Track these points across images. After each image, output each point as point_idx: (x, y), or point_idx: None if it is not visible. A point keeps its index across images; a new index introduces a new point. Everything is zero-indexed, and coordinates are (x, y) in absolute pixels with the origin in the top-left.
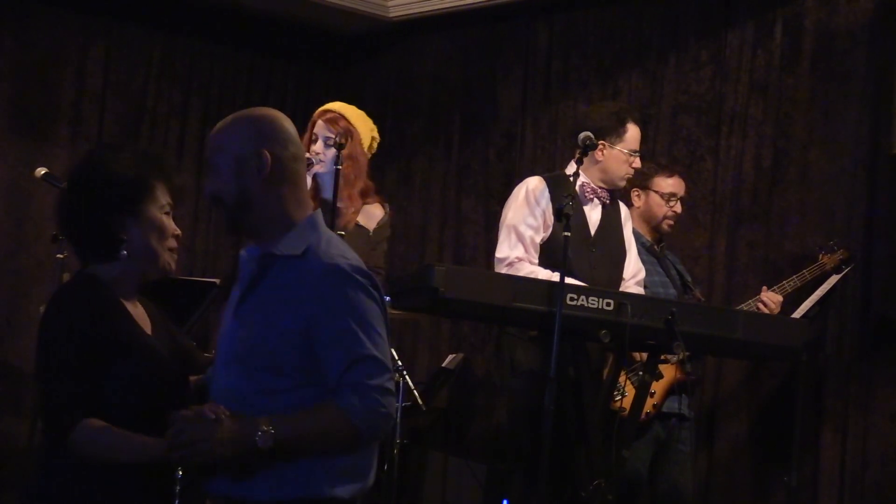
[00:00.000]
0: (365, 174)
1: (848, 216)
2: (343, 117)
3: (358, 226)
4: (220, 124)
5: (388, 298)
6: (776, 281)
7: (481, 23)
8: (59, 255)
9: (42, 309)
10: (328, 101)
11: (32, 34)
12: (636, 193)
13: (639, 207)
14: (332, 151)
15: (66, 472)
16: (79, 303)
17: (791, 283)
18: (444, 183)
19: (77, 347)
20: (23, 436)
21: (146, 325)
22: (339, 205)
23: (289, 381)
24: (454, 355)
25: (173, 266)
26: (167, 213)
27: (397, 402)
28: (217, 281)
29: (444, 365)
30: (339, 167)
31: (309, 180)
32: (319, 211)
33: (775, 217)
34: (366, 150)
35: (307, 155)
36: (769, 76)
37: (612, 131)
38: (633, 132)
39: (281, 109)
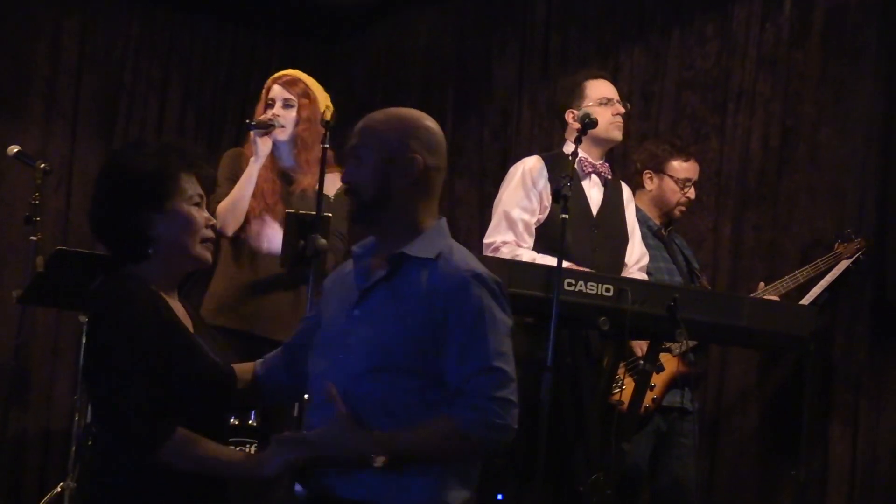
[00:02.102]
0: (323, 141)
1: (860, 198)
2: (300, 80)
3: (316, 192)
4: (374, 117)
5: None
6: (784, 270)
7: None
8: (32, 238)
9: (15, 294)
10: (315, 77)
11: (4, 6)
12: (648, 176)
13: (651, 191)
14: (293, 114)
15: (144, 476)
16: (133, 304)
17: (804, 273)
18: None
19: (145, 352)
20: None
21: (189, 324)
22: (295, 170)
23: (416, 381)
24: None
25: (209, 257)
26: (197, 205)
27: None
28: None
29: None
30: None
31: (268, 145)
32: (445, 219)
33: (783, 199)
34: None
35: (266, 116)
36: (777, 51)
37: (573, 98)
38: (591, 87)
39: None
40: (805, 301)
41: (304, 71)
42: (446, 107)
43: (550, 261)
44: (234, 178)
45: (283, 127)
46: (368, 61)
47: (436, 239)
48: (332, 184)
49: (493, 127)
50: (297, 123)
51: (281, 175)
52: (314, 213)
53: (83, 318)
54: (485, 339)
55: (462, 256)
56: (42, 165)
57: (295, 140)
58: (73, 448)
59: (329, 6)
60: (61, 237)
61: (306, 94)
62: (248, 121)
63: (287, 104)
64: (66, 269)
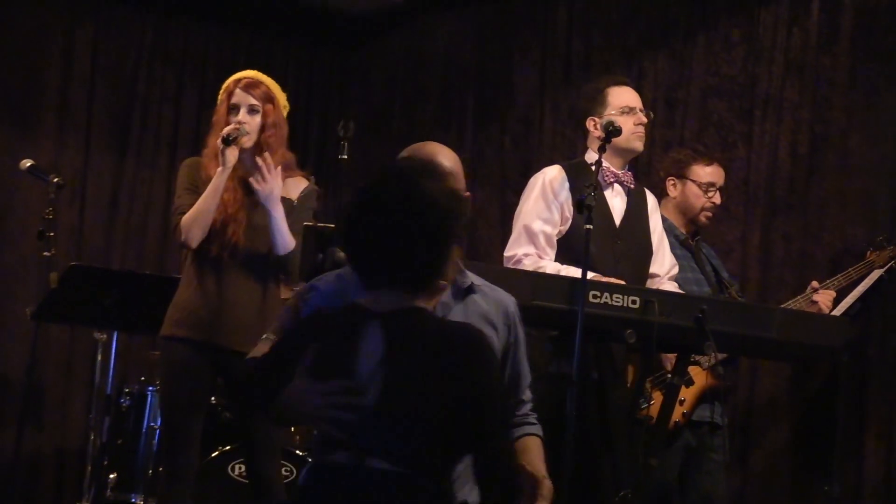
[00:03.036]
0: (285, 145)
1: (891, 206)
2: (262, 82)
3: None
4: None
5: None
6: (814, 279)
7: (496, 0)
8: (45, 253)
9: (29, 311)
10: (332, 85)
11: (14, 14)
12: (671, 182)
13: (674, 198)
14: (258, 120)
15: None
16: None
17: (836, 282)
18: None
19: None
20: (8, 447)
21: None
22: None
23: None
24: None
25: None
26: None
27: None
28: None
29: None
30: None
31: (235, 154)
32: None
33: (813, 207)
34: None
35: (233, 127)
36: (806, 56)
37: (595, 105)
38: (615, 94)
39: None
40: (837, 311)
41: (321, 78)
42: (466, 114)
43: (575, 272)
44: (193, 189)
45: (248, 134)
46: (387, 68)
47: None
48: (295, 187)
49: (515, 135)
50: (262, 129)
51: (242, 183)
52: (332, 225)
53: (99, 336)
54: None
55: (484, 281)
56: (55, 179)
57: (260, 146)
58: (89, 468)
59: (347, 12)
60: (75, 252)
61: (269, 97)
62: (224, 136)
63: (252, 109)
64: (81, 285)
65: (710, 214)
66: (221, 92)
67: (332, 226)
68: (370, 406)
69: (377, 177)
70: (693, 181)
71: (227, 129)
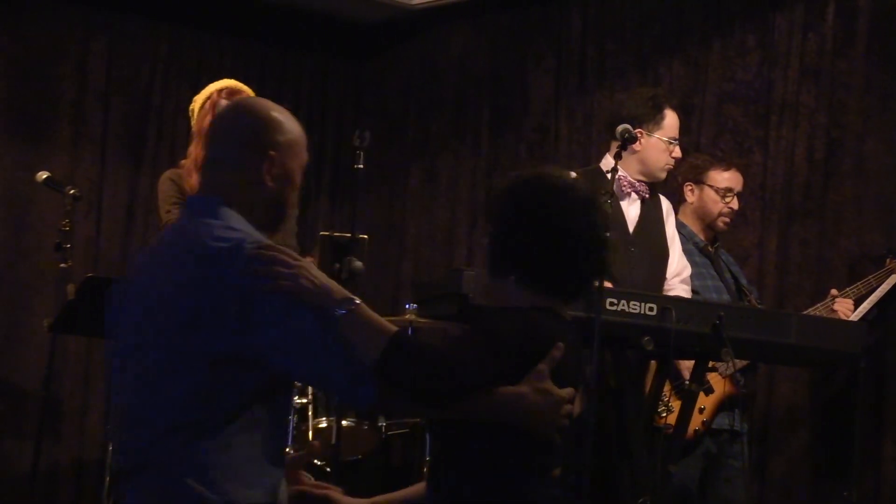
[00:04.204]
0: None
1: None
2: (243, 90)
3: None
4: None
5: (411, 305)
6: (832, 286)
7: (510, 8)
8: (62, 265)
9: (46, 322)
10: (347, 96)
11: (29, 28)
12: (689, 188)
13: (692, 203)
14: None
15: None
16: None
17: (855, 290)
18: (472, 181)
19: None
20: (26, 459)
21: None
22: None
23: None
24: None
25: None
26: None
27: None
28: None
29: None
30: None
31: None
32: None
33: (830, 213)
34: None
35: None
36: (821, 61)
37: (650, 119)
38: (671, 119)
39: (296, 104)
40: (854, 317)
41: (335, 88)
42: (481, 123)
43: None
44: (180, 202)
45: None
46: (401, 78)
47: None
48: None
49: (530, 143)
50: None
51: None
52: (348, 234)
53: None
54: None
55: None
56: (71, 191)
57: None
58: (107, 479)
59: (360, 23)
60: (91, 264)
61: None
62: None
63: None
64: (98, 296)
65: (727, 220)
66: (203, 101)
67: (349, 235)
68: None
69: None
70: (710, 186)
71: None
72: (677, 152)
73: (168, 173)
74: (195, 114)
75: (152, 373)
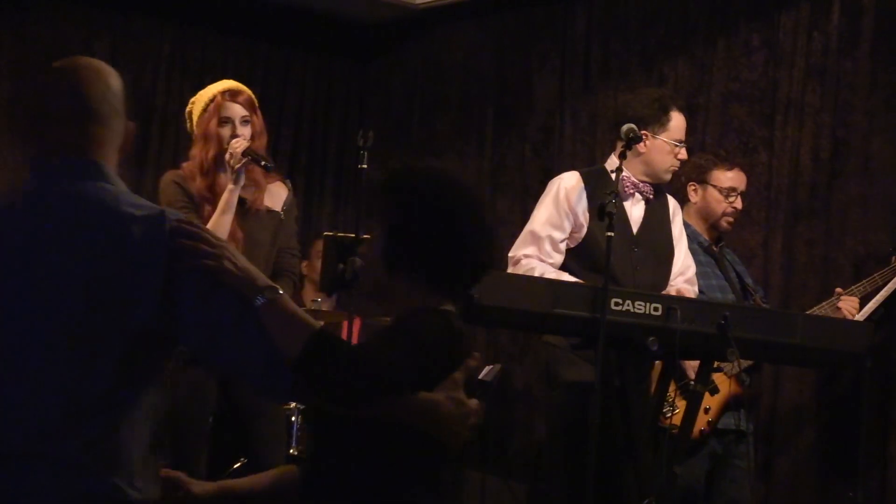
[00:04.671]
0: (267, 151)
1: None
2: (245, 91)
3: (267, 210)
4: None
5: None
6: (837, 285)
7: (515, 8)
8: None
9: None
10: (351, 96)
11: (32, 28)
12: (692, 188)
13: (695, 203)
14: (248, 130)
15: None
16: None
17: (860, 288)
18: (477, 181)
19: None
20: None
21: None
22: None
23: None
24: (491, 367)
25: None
26: None
27: None
28: None
29: (480, 377)
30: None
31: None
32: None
33: (835, 212)
34: None
35: (244, 143)
36: (826, 60)
37: (655, 120)
38: (677, 120)
39: (300, 105)
40: (860, 316)
41: (339, 89)
42: (486, 123)
43: (568, 279)
44: (191, 206)
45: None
46: (406, 78)
47: None
48: (277, 195)
49: (535, 143)
50: (251, 138)
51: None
52: (353, 235)
53: None
54: None
55: None
56: None
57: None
58: None
59: (364, 22)
60: None
61: (254, 105)
62: (254, 153)
63: (244, 120)
64: None
65: (731, 219)
66: (205, 102)
67: (353, 235)
68: None
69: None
70: (714, 186)
71: (245, 146)
72: (682, 154)
73: (171, 175)
74: (194, 116)
75: (47, 350)
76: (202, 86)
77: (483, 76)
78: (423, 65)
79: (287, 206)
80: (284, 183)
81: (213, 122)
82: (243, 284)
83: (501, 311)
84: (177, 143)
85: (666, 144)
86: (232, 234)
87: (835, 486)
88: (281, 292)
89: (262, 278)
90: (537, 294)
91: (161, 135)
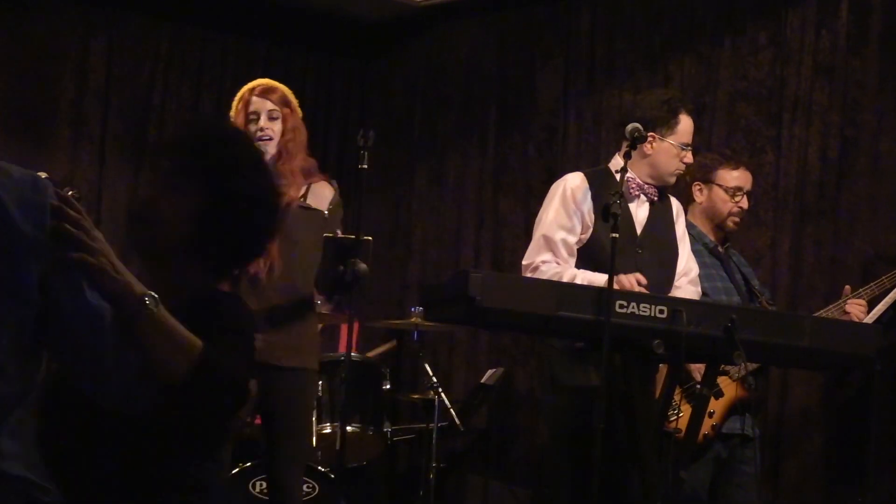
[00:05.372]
0: (305, 149)
1: None
2: (278, 88)
3: (304, 207)
4: None
5: (417, 308)
6: (844, 284)
7: (518, 6)
8: None
9: None
10: (351, 95)
11: (28, 26)
12: (698, 188)
13: (701, 203)
14: (279, 126)
15: None
16: None
17: (869, 290)
18: (479, 182)
19: None
20: None
21: None
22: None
23: None
24: (494, 370)
25: None
26: None
27: (433, 422)
28: None
29: (483, 381)
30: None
31: None
32: None
33: (844, 213)
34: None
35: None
36: (835, 58)
37: (663, 122)
38: (685, 124)
39: (300, 103)
40: (869, 319)
41: (340, 88)
42: (489, 123)
43: (593, 276)
44: None
45: (271, 139)
46: (406, 77)
47: None
48: (321, 195)
49: (538, 143)
50: (282, 134)
51: None
52: (353, 236)
53: None
54: None
55: None
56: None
57: (279, 151)
58: None
59: (365, 20)
60: None
61: (286, 102)
62: None
63: (271, 116)
64: None
65: (737, 220)
66: (236, 102)
67: (353, 237)
68: None
69: None
70: (719, 186)
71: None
72: (689, 158)
73: None
74: (231, 116)
75: None
76: (200, 85)
77: (485, 75)
78: (424, 63)
79: (333, 205)
80: (330, 183)
81: (241, 119)
82: (120, 289)
83: (504, 313)
84: None
85: (673, 147)
86: None
87: (843, 491)
88: (158, 303)
89: (140, 286)
90: (540, 296)
91: (158, 133)
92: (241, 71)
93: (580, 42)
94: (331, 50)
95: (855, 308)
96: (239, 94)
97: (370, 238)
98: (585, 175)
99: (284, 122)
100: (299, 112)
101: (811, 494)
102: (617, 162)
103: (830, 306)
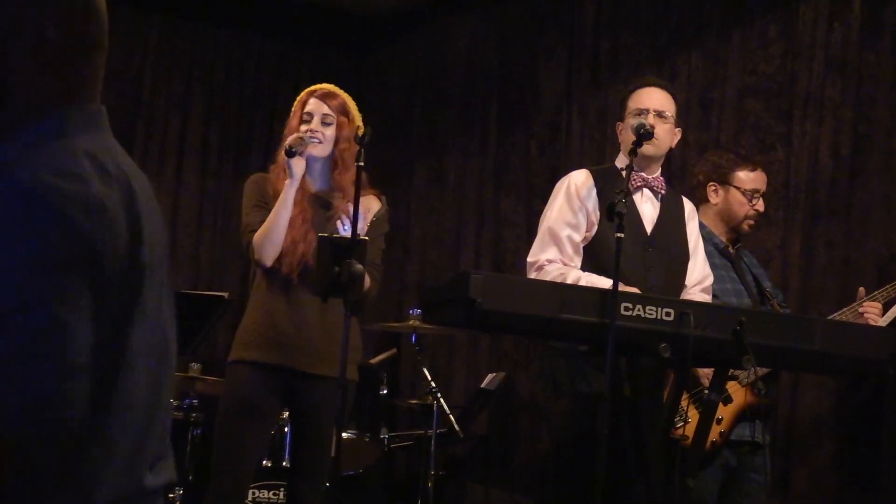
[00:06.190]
0: (354, 161)
1: None
2: (339, 95)
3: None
4: None
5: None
6: (857, 285)
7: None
8: None
9: None
10: (348, 91)
11: None
12: (713, 188)
13: (716, 205)
14: (332, 132)
15: None
16: None
17: (884, 293)
18: (480, 180)
19: None
20: None
21: None
22: (332, 193)
23: None
24: (494, 374)
25: None
26: None
27: (431, 428)
28: (225, 295)
29: (483, 385)
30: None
31: (302, 166)
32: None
33: (856, 212)
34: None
35: (296, 137)
36: (847, 52)
37: (620, 107)
38: (633, 97)
39: (293, 100)
40: (883, 322)
41: (336, 83)
42: (490, 119)
43: (597, 279)
44: (262, 205)
45: (320, 143)
46: (405, 72)
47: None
48: (368, 210)
49: (541, 140)
50: (336, 142)
51: (314, 199)
52: (348, 236)
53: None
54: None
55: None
56: None
57: (334, 160)
58: None
59: (363, 13)
60: None
61: (345, 110)
62: (287, 147)
63: (325, 121)
64: None
65: (752, 222)
66: (295, 104)
67: (348, 237)
68: None
69: None
70: (737, 188)
71: (289, 140)
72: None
73: (253, 177)
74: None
75: None
76: (191, 79)
77: (487, 70)
78: (423, 58)
79: (377, 217)
80: (379, 199)
81: (295, 121)
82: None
83: (505, 315)
84: (164, 136)
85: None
86: (304, 236)
87: (855, 499)
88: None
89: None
90: (543, 298)
91: (148, 128)
92: (234, 65)
93: (584, 36)
94: (326, 43)
95: (871, 311)
96: (299, 97)
97: (367, 238)
98: (591, 172)
99: (340, 129)
100: (358, 123)
101: (822, 502)
102: (622, 159)
103: (845, 309)
